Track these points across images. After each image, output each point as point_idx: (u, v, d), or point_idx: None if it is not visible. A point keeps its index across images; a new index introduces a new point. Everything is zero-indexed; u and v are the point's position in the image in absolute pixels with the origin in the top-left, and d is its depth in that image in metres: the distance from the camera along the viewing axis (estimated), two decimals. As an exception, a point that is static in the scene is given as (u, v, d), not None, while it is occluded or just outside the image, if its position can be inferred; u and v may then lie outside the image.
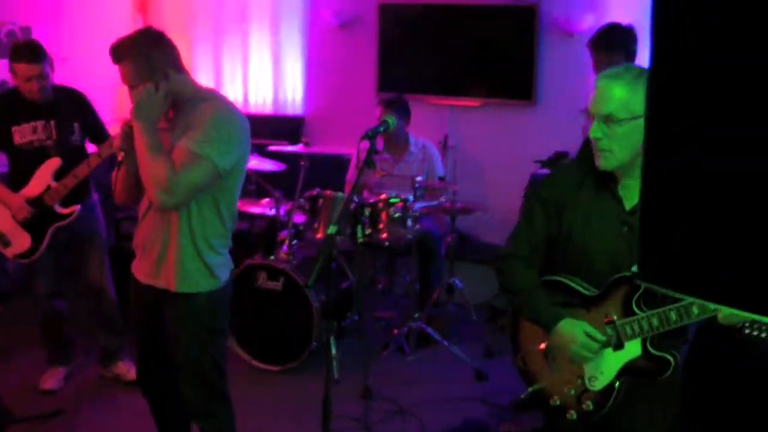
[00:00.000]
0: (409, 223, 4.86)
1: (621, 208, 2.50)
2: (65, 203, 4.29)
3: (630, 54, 4.13)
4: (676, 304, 2.36)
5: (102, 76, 6.34)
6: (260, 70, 7.14)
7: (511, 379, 4.77)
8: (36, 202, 4.22)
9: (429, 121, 6.33)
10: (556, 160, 4.17)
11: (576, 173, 2.62)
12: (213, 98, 2.97)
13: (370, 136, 2.88)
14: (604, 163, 2.45)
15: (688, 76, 0.97)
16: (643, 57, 4.73)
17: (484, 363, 5.00)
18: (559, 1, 6.11)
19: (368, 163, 2.83)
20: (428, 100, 6.47)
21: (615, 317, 2.49)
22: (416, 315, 5.08)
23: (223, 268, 3.08)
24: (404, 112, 5.41)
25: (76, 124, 4.36)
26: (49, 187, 4.22)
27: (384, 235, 4.83)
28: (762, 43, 0.88)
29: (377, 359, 4.87)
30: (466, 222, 6.03)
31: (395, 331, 5.12)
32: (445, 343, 4.96)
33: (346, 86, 6.83)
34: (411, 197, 4.89)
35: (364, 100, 6.51)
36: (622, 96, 2.37)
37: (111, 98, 6.80)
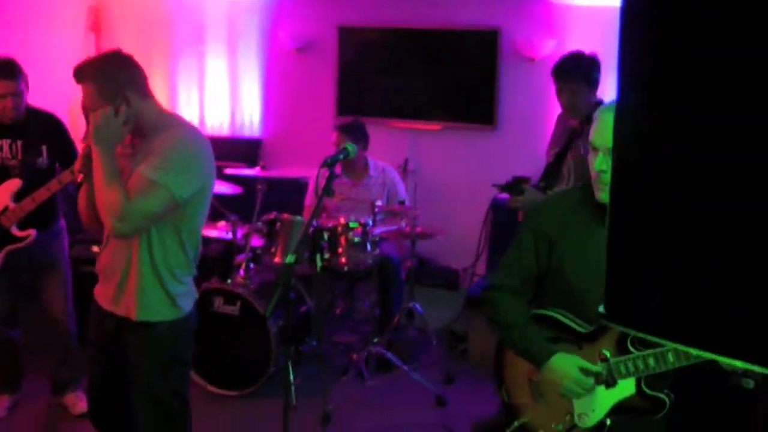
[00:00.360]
0: (369, 247, 4.87)
1: None
2: (23, 227, 4.21)
3: (592, 82, 4.18)
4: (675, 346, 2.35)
5: (54, 96, 6.29)
6: (217, 92, 7.13)
7: (470, 404, 4.80)
8: None
9: (389, 144, 6.36)
10: (515, 184, 4.18)
11: (569, 204, 2.59)
12: (176, 125, 2.94)
13: (329, 164, 2.88)
14: (605, 196, 2.41)
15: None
16: (607, 86, 4.83)
17: (444, 388, 5.00)
18: (521, 26, 6.20)
19: (327, 191, 2.82)
20: (389, 123, 6.51)
21: (608, 355, 2.46)
22: (376, 340, 5.07)
23: (186, 297, 3.04)
24: (362, 137, 5.42)
25: (44, 147, 4.29)
26: (6, 208, 4.14)
27: (343, 260, 4.82)
28: (751, 32, 0.88)
29: (336, 384, 4.84)
30: (427, 246, 6.05)
31: (354, 356, 5.10)
32: (405, 368, 4.95)
33: (304, 109, 6.84)
34: (371, 221, 4.90)
35: (323, 123, 6.53)
36: None
37: (63, 119, 6.72)
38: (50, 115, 4.45)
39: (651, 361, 2.38)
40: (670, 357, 2.35)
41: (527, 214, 2.82)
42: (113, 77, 2.83)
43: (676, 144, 0.95)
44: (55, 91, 6.12)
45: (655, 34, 0.98)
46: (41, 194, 4.06)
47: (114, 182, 2.77)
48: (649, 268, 0.99)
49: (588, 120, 4.12)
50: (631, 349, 2.43)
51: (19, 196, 4.15)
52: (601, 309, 1.06)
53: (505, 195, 4.22)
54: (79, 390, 4.60)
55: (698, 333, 0.94)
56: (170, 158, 2.80)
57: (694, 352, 0.97)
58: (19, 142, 4.24)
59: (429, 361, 5.39)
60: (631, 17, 1.01)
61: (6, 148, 4.23)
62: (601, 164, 2.40)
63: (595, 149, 2.41)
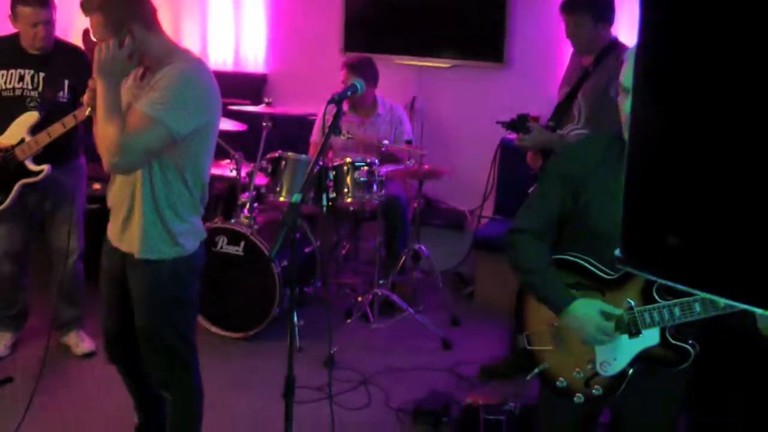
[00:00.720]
0: (375, 187, 4.83)
1: None
2: (39, 161, 4.19)
3: (599, 17, 4.01)
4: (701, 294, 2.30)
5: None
6: (221, 27, 7.01)
7: (477, 348, 4.83)
8: (7, 153, 4.15)
9: (396, 82, 6.26)
10: (520, 122, 4.11)
11: (598, 148, 2.52)
12: (182, 59, 2.91)
13: (337, 100, 2.81)
14: None
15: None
16: (621, 23, 4.73)
17: (450, 331, 5.02)
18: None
19: (335, 129, 2.78)
20: (396, 60, 6.41)
21: (633, 303, 2.41)
22: (381, 282, 5.07)
23: (190, 236, 3.03)
24: (371, 76, 5.35)
25: (66, 81, 4.27)
26: (22, 140, 4.14)
27: (349, 200, 4.80)
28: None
29: (341, 327, 4.86)
30: (433, 187, 6.01)
31: (359, 299, 5.11)
32: (411, 310, 4.96)
33: (310, 45, 6.73)
34: (377, 161, 4.86)
35: (330, 59, 6.41)
36: None
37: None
38: (75, 48, 4.45)
39: (677, 311, 2.34)
40: (697, 307, 2.31)
41: (554, 157, 2.76)
42: (120, 8, 2.82)
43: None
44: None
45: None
46: (56, 129, 4.07)
47: (113, 117, 2.77)
48: (671, 205, 0.96)
49: (599, 59, 4.06)
50: (657, 298, 2.38)
51: (36, 130, 4.14)
52: (617, 252, 1.04)
53: (512, 135, 4.17)
54: (81, 330, 4.62)
55: (727, 280, 0.91)
56: (169, 94, 2.79)
57: (722, 302, 0.95)
58: (41, 74, 4.24)
59: (435, 304, 5.40)
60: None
61: (27, 78, 4.23)
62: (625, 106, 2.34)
63: (626, 91, 2.34)
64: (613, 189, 2.45)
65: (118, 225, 3.04)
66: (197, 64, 2.94)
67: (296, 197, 2.47)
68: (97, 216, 5.05)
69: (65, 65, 4.29)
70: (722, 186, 0.90)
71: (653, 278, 0.98)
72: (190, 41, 7.02)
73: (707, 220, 0.92)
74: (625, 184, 1.01)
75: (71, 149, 4.41)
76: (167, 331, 3.08)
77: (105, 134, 2.76)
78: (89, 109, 2.95)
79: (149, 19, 2.91)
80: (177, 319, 3.11)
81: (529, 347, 2.66)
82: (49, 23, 4.16)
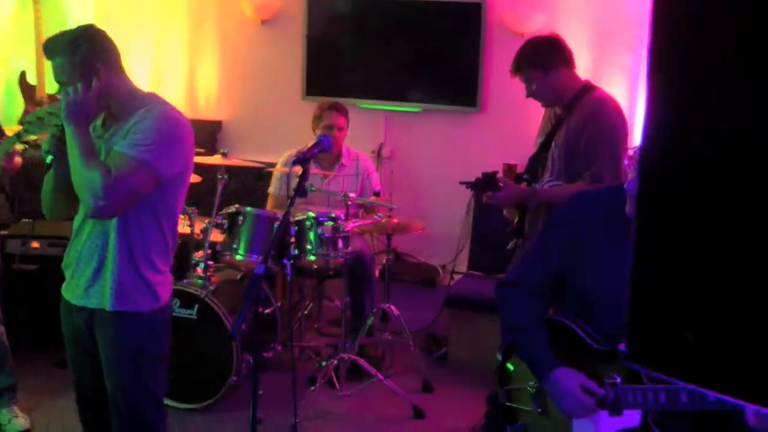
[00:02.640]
0: (340, 243, 4.84)
1: None
2: None
3: (545, 66, 4.01)
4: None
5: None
6: (171, 69, 7.04)
7: (451, 415, 4.81)
8: None
9: (363, 128, 6.32)
10: (486, 181, 4.12)
11: (603, 207, 2.57)
12: (156, 102, 3.00)
13: (303, 160, 2.85)
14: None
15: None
16: (587, 61, 4.82)
17: (423, 398, 4.99)
18: (506, -1, 6.18)
19: (301, 192, 2.81)
20: (362, 104, 6.47)
21: (619, 381, 2.42)
22: (347, 345, 5.05)
23: (165, 287, 3.09)
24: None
25: None
26: None
27: (312, 258, 4.80)
28: None
29: (305, 394, 4.82)
30: (403, 240, 6.04)
31: (324, 363, 5.08)
32: (380, 376, 4.93)
33: (268, 88, 6.80)
34: (342, 215, 4.87)
35: (289, 104, 6.47)
36: None
37: None
38: None
39: (662, 398, 2.36)
40: (684, 397, 2.33)
41: (558, 210, 2.79)
42: (87, 49, 2.89)
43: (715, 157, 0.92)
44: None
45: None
46: None
47: (93, 159, 2.83)
48: (686, 301, 0.96)
49: (570, 107, 4.12)
50: (644, 379, 2.40)
51: None
52: (622, 348, 1.04)
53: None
54: (13, 404, 4.49)
55: (743, 380, 0.92)
56: (154, 135, 2.86)
57: (713, 395, 0.95)
58: None
59: (405, 368, 5.37)
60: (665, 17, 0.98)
61: None
62: (631, 184, 2.41)
63: (632, 157, 2.41)
64: (613, 253, 2.49)
65: (84, 281, 3.03)
66: (172, 107, 3.04)
67: (259, 267, 2.47)
68: (35, 277, 5.02)
69: None
70: (741, 280, 0.91)
71: (663, 377, 0.98)
72: (140, 85, 7.03)
73: (725, 316, 0.92)
74: (631, 274, 1.01)
75: None
76: (139, 392, 3.09)
77: (87, 179, 2.80)
78: (49, 156, 2.97)
79: (115, 62, 2.99)
80: (148, 377, 3.12)
81: (508, 403, 2.69)
82: None
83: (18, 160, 4.04)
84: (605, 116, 3.98)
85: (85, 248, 3.03)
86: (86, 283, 3.03)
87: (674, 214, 0.97)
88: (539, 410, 2.61)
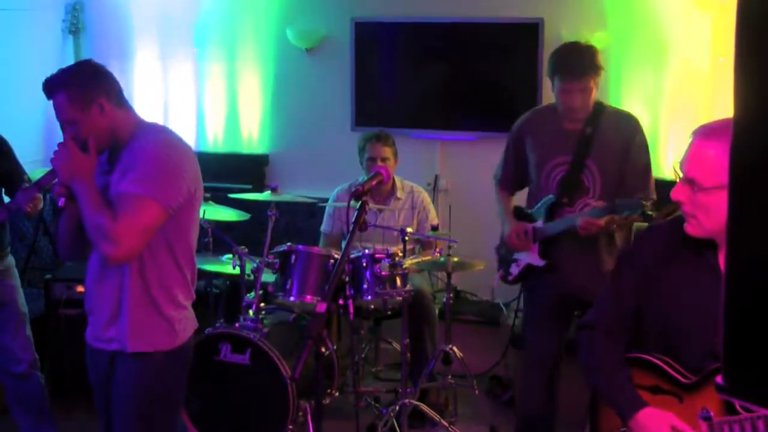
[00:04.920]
0: (398, 282, 4.86)
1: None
2: None
3: (550, 74, 4.16)
4: None
5: (25, 108, 6.36)
6: (215, 102, 7.17)
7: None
8: None
9: (415, 159, 6.38)
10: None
11: (672, 235, 2.58)
12: (151, 132, 3.08)
13: (362, 193, 2.86)
14: (690, 229, 2.44)
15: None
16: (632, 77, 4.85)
17: (490, 445, 4.99)
18: (566, 16, 6.22)
19: (360, 226, 2.83)
20: (415, 134, 6.53)
21: (711, 414, 2.41)
22: (408, 389, 5.06)
23: (185, 323, 3.15)
24: (396, 151, 5.49)
25: None
26: None
27: (369, 297, 4.83)
28: None
29: (364, 444, 4.84)
30: (464, 278, 6.05)
31: (384, 410, 5.09)
32: (444, 422, 4.94)
33: (316, 120, 6.88)
34: (399, 252, 4.90)
35: (338, 136, 6.54)
36: (714, 160, 2.33)
37: (39, 129, 6.82)
38: None
39: (760, 426, 2.34)
40: None
41: (626, 248, 2.82)
42: (86, 83, 2.99)
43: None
44: (31, 102, 6.19)
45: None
46: None
47: (98, 208, 2.90)
48: None
49: (595, 122, 4.14)
50: (740, 408, 2.38)
51: None
52: (719, 381, 1.06)
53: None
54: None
55: None
56: (150, 167, 2.95)
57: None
58: None
59: (470, 413, 5.38)
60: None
61: None
62: (678, 193, 2.43)
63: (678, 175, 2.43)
64: (690, 280, 2.50)
65: (103, 322, 3.10)
66: (168, 134, 3.12)
67: (321, 307, 2.50)
68: (80, 321, 5.11)
69: None
70: None
71: (762, 407, 1.00)
72: (179, 119, 7.17)
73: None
74: (725, 306, 1.03)
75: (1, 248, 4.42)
76: None
77: (96, 228, 2.88)
78: (62, 199, 3.05)
79: (116, 95, 3.07)
80: (161, 425, 3.15)
81: None
82: None
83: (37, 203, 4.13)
84: (642, 133, 4.21)
85: (103, 290, 3.10)
86: (104, 326, 3.10)
87: None
88: None
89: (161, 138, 3.06)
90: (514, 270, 4.35)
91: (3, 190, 4.45)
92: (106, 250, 2.89)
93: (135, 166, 2.95)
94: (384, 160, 5.39)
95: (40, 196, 4.07)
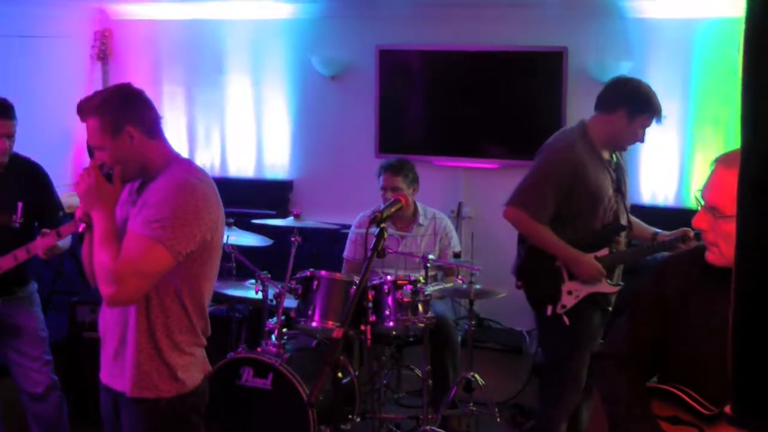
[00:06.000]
0: (420, 308, 4.88)
1: None
2: None
3: (633, 112, 4.25)
4: None
5: (54, 133, 6.46)
6: (240, 128, 7.25)
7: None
8: None
9: (439, 187, 6.41)
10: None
11: (692, 265, 2.59)
12: (178, 170, 2.97)
13: (381, 219, 2.87)
14: (712, 257, 2.45)
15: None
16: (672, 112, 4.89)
17: (511, 474, 4.99)
18: (590, 45, 6.24)
19: (379, 252, 2.83)
20: (438, 162, 6.56)
21: None
22: (429, 416, 5.07)
23: (191, 370, 3.04)
24: (415, 177, 5.50)
25: (20, 204, 4.34)
26: None
27: (391, 323, 4.84)
28: None
29: (384, 471, 4.85)
30: (487, 305, 6.06)
31: (405, 436, 5.10)
32: (465, 450, 4.94)
33: (340, 146, 6.93)
34: (422, 278, 4.92)
35: (362, 162, 6.59)
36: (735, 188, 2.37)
37: (68, 156, 6.91)
38: (33, 165, 4.49)
39: None
40: None
41: (649, 275, 2.83)
42: (117, 110, 2.92)
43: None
44: (60, 127, 6.29)
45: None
46: (6, 261, 4.10)
47: (106, 243, 2.85)
48: None
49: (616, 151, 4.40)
50: None
51: None
52: (728, 412, 1.08)
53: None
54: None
55: None
56: (165, 210, 2.84)
57: None
58: None
59: (492, 441, 5.37)
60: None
61: None
62: (700, 221, 2.44)
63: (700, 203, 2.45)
64: (709, 310, 2.49)
65: (108, 358, 3.07)
66: (195, 175, 2.98)
67: (339, 331, 2.53)
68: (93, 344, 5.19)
69: (20, 184, 4.36)
70: None
71: None
72: (206, 146, 7.25)
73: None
74: (733, 337, 1.04)
75: (24, 276, 4.48)
76: None
77: (98, 262, 2.85)
78: (83, 225, 3.03)
79: (149, 125, 2.99)
80: None
81: None
82: (11, 137, 4.23)
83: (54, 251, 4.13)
84: None
85: (109, 323, 3.05)
86: (110, 361, 3.06)
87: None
88: None
89: (184, 179, 2.92)
90: (569, 301, 4.32)
91: (36, 223, 4.46)
92: (103, 289, 2.83)
93: (151, 205, 2.86)
94: (395, 189, 5.39)
95: (60, 245, 4.06)
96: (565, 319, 4.28)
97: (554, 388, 4.53)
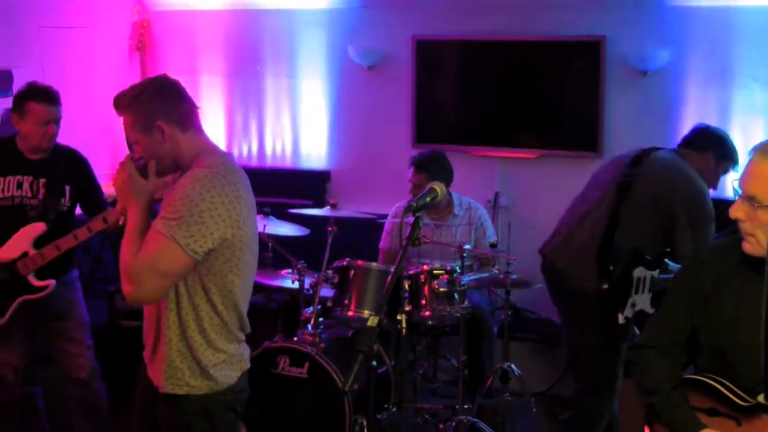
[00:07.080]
0: (456, 298, 4.89)
1: None
2: (40, 275, 4.32)
3: (720, 156, 4.50)
4: None
5: (93, 124, 6.53)
6: (278, 118, 7.28)
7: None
8: (7, 267, 4.27)
9: (476, 177, 6.39)
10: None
11: (729, 255, 2.59)
12: (205, 164, 2.91)
13: (416, 209, 2.87)
14: (749, 248, 2.46)
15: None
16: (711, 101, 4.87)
17: (547, 465, 4.99)
18: (629, 33, 6.19)
19: (414, 241, 2.84)
20: (474, 152, 6.55)
21: None
22: (466, 406, 5.08)
23: (225, 367, 3.02)
24: (444, 173, 5.48)
25: (67, 188, 4.46)
26: (25, 254, 4.25)
27: (427, 313, 4.86)
28: None
29: (421, 460, 4.86)
30: (524, 296, 6.05)
31: (441, 426, 5.11)
32: (501, 440, 4.94)
33: (377, 137, 6.93)
34: (458, 268, 4.93)
35: (399, 152, 6.58)
36: None
37: (106, 149, 7.00)
38: (74, 151, 4.61)
39: None
40: None
41: (685, 266, 2.83)
42: (148, 105, 2.91)
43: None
44: (98, 117, 6.36)
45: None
46: (67, 242, 4.21)
47: (131, 240, 2.86)
48: None
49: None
50: None
51: (39, 242, 4.27)
52: (761, 399, 1.08)
53: None
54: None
55: None
56: (182, 207, 2.78)
57: None
58: (42, 181, 4.39)
59: (528, 432, 5.38)
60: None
61: (26, 186, 4.37)
62: (737, 211, 2.44)
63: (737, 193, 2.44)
64: (745, 300, 2.49)
65: (149, 352, 3.09)
66: (219, 169, 2.90)
67: (373, 320, 2.54)
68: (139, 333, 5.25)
69: (65, 170, 4.46)
70: None
71: None
72: (243, 136, 7.30)
73: None
74: (766, 326, 1.05)
75: (70, 261, 4.57)
76: None
77: (121, 259, 2.85)
78: (122, 218, 3.05)
79: (183, 118, 2.96)
80: None
81: None
82: (58, 122, 4.33)
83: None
84: None
85: (148, 318, 3.07)
86: (150, 355, 3.07)
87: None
88: None
89: (202, 175, 2.84)
90: (629, 313, 4.36)
91: (79, 204, 4.61)
92: (123, 287, 2.83)
93: (170, 201, 2.81)
94: (418, 186, 5.40)
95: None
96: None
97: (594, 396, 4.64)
